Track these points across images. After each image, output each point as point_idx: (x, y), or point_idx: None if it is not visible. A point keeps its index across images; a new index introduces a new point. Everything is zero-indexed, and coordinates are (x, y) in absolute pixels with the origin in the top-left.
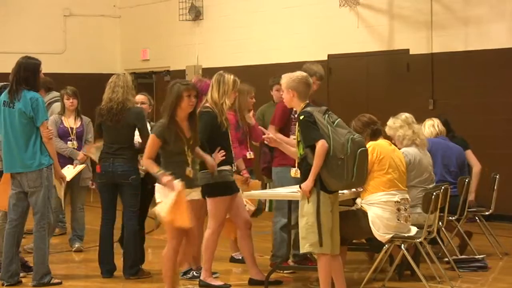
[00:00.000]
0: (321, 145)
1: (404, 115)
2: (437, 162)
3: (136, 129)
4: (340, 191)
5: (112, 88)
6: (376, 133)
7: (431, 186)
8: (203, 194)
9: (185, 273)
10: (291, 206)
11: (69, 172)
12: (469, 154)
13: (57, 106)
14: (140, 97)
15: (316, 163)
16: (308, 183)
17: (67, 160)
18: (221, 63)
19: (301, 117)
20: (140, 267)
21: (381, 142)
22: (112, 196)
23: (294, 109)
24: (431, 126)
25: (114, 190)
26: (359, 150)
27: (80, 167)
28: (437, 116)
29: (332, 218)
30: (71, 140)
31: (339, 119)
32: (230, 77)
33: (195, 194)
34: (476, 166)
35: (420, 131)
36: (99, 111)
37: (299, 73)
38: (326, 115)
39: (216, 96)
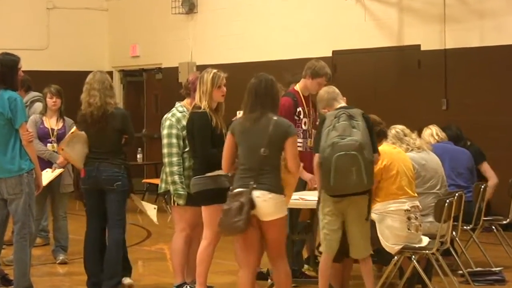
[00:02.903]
0: (315, 157)
1: (394, 130)
2: (445, 166)
3: None
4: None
5: (88, 91)
6: (378, 135)
7: (442, 190)
8: (197, 202)
9: (179, 286)
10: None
11: (47, 176)
12: (485, 166)
13: (39, 106)
14: None
15: (315, 172)
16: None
17: (45, 163)
18: (217, 60)
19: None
20: (120, 279)
21: (385, 147)
22: (97, 202)
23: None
24: (430, 136)
25: (100, 196)
26: (335, 155)
27: (58, 171)
28: (448, 124)
29: (351, 224)
30: (51, 142)
31: (343, 122)
32: (209, 75)
33: None
34: (492, 179)
35: (416, 141)
36: (81, 117)
37: (322, 90)
38: (336, 118)
39: (197, 99)
